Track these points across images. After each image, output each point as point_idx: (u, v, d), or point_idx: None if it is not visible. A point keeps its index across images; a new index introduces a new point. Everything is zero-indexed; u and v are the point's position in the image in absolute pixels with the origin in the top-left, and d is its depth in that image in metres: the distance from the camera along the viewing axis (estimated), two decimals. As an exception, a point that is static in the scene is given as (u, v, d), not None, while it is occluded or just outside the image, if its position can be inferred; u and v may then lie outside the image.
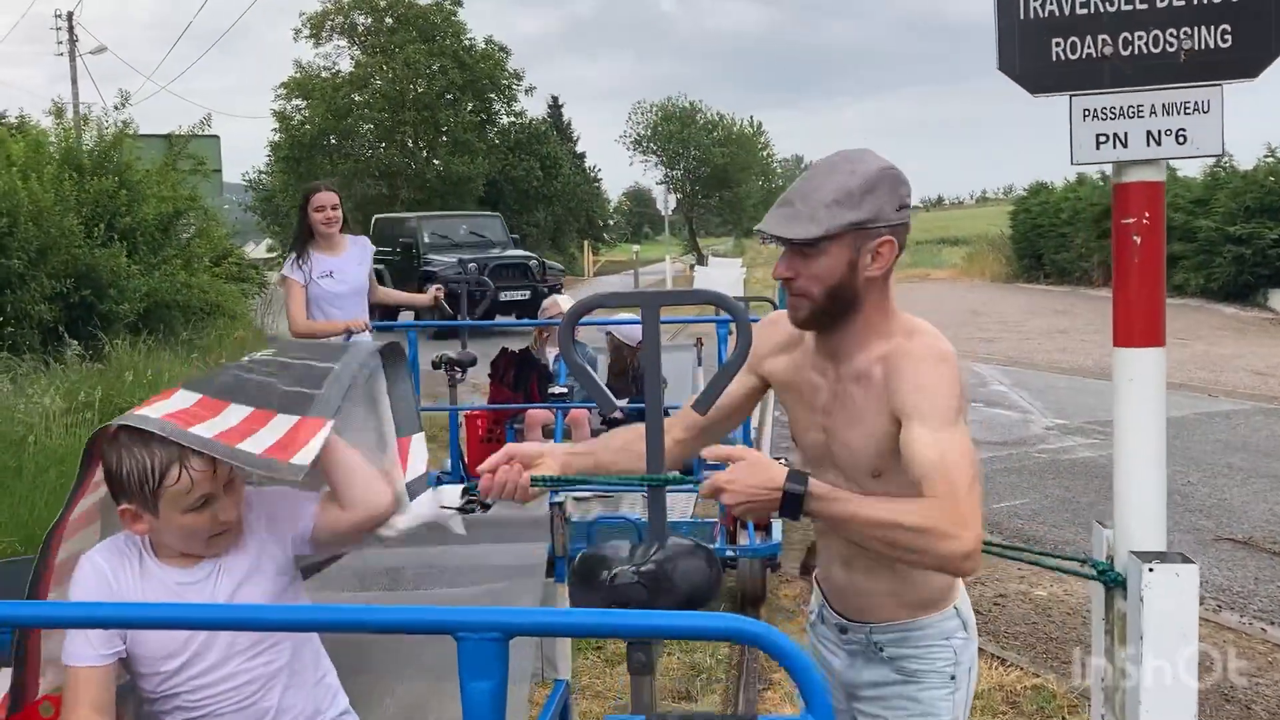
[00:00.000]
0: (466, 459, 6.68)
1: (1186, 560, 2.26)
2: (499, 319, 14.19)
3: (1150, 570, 2.23)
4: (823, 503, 1.89)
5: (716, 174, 58.04)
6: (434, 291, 6.43)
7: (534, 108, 57.66)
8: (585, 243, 51.75)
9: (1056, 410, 11.47)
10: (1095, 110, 2.32)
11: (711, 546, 4.46)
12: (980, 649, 5.03)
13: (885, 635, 2.19)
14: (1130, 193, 2.34)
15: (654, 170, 61.91)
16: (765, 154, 66.82)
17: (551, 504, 2.47)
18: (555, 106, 58.99)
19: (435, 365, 6.35)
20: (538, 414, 6.51)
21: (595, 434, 6.12)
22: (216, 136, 17.34)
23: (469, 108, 49.62)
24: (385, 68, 48.28)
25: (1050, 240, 30.31)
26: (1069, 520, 7.35)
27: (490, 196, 49.95)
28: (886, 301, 2.08)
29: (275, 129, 49.44)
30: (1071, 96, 2.33)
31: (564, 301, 6.92)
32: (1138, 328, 2.36)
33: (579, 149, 58.47)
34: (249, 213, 60.50)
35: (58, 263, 12.37)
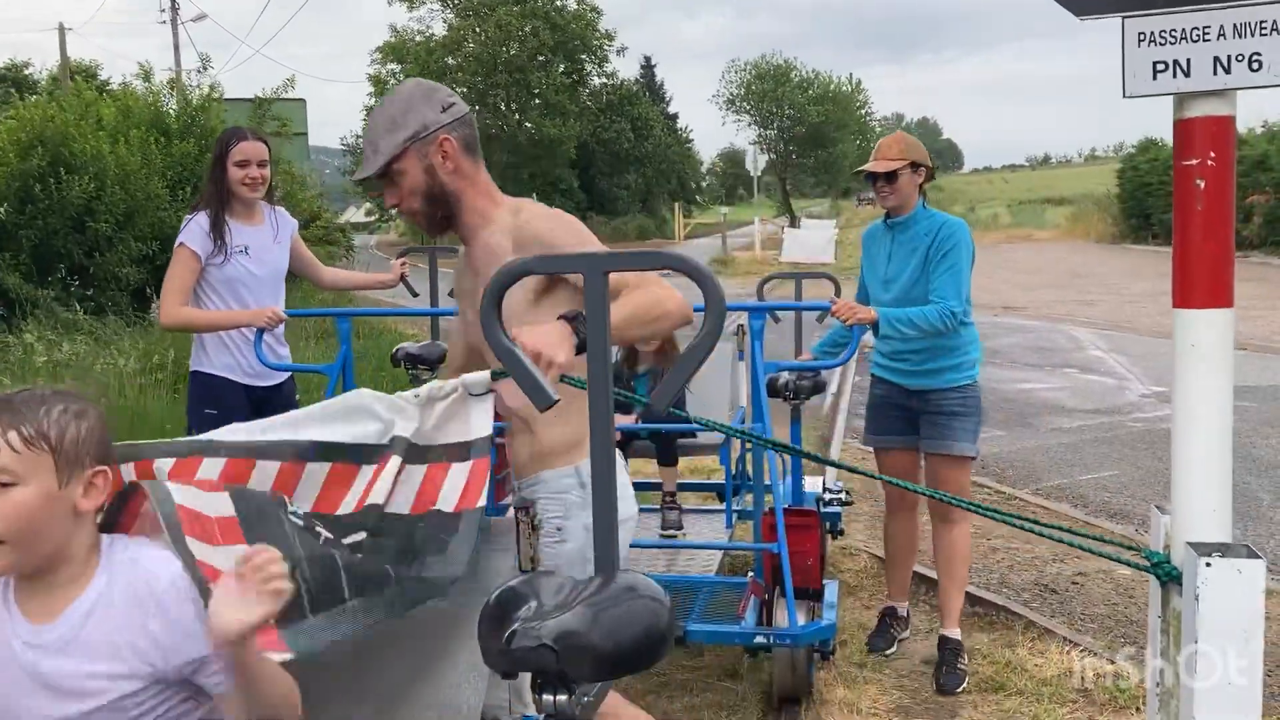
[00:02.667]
0: None
1: (1252, 554, 1.96)
2: None
3: (1208, 565, 1.94)
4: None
5: (812, 133, 56.97)
6: (397, 266, 5.00)
7: (626, 69, 57.21)
8: (676, 205, 51.31)
9: (1155, 377, 10.89)
10: (1152, 34, 2.00)
11: (738, 628, 3.74)
12: (1050, 630, 4.76)
13: (526, 491, 2.47)
14: (1194, 129, 2.02)
15: (747, 130, 61.11)
16: (863, 112, 65.35)
17: (516, 509, 2.25)
18: (648, 67, 58.54)
19: (394, 362, 5.08)
20: None
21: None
22: (302, 100, 17.41)
23: (560, 69, 49.52)
24: (478, 30, 48.38)
25: (1159, 199, 29.07)
26: (1161, 494, 6.91)
27: (581, 159, 49.85)
28: (482, 188, 2.45)
29: (370, 93, 50.04)
30: (1124, 18, 2.01)
31: None
32: (1201, 286, 2.05)
33: (671, 110, 57.97)
34: (346, 176, 61.61)
35: (144, 225, 12.57)
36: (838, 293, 5.15)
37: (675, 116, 58.01)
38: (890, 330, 4.09)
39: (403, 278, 5.00)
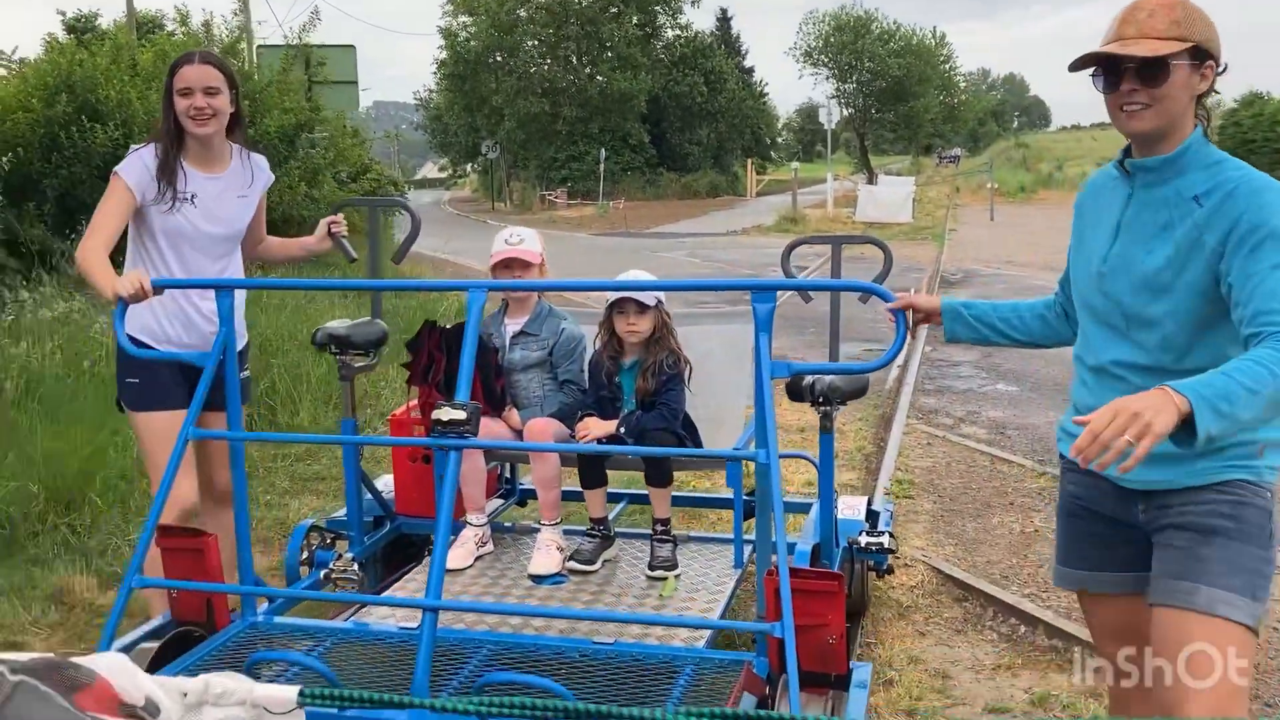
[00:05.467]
0: (394, 487, 4.35)
1: None
2: None
3: None
4: None
5: (892, 87, 55.12)
6: (324, 224, 4.03)
7: (702, 21, 55.57)
8: (749, 161, 50.05)
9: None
10: None
11: None
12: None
13: None
14: None
15: (825, 84, 59.35)
16: (947, 66, 63.12)
17: None
18: (724, 19, 57.07)
19: (319, 346, 3.97)
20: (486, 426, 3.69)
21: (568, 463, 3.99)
22: (351, 46, 16.63)
23: (633, 21, 48.42)
24: (549, -21, 47.45)
25: (1264, 156, 27.24)
26: None
27: (652, 113, 48.75)
28: None
29: (441, 46, 49.44)
30: None
31: (524, 236, 3.99)
32: None
33: (747, 63, 56.52)
34: (419, 131, 61.22)
35: (176, 174, 12.04)
36: (887, 267, 3.79)
37: (751, 70, 56.51)
38: (1226, 418, 1.92)
39: (334, 237, 4.02)
